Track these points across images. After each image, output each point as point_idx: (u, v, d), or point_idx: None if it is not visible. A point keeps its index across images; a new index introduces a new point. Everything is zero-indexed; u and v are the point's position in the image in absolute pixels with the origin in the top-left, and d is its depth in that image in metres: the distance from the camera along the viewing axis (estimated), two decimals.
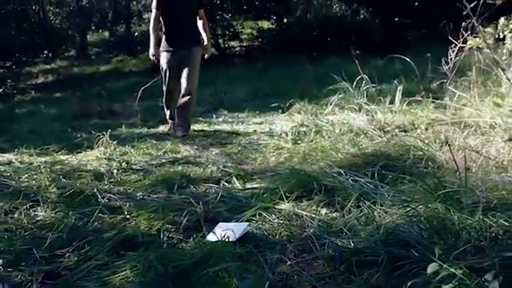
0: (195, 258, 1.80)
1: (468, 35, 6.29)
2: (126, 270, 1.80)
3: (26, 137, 5.39)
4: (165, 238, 2.09)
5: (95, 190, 2.94)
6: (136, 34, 14.60)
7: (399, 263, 1.71)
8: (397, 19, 11.59)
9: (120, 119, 6.63)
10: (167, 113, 5.16)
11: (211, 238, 2.08)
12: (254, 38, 13.84)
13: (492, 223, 1.88)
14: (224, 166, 3.39)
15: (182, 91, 4.77)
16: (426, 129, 3.94)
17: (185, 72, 4.72)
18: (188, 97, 4.77)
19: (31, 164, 3.78)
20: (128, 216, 2.36)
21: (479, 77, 6.47)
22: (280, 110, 6.26)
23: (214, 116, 6.13)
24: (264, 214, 2.33)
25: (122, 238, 2.08)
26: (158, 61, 4.79)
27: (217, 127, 5.40)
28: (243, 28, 12.60)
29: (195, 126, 5.41)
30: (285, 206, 2.45)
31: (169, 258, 1.81)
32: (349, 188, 2.55)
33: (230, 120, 5.90)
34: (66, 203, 2.75)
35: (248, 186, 2.92)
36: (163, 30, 4.78)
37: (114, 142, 4.16)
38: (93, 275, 1.86)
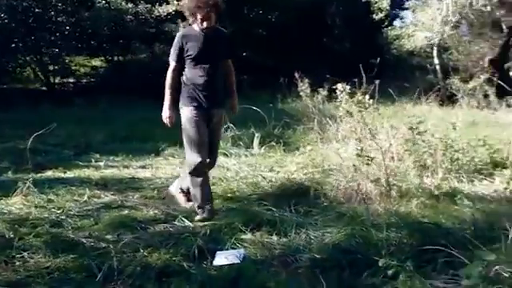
0: (229, 277, 2.65)
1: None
2: None
3: None
4: (186, 266, 2.84)
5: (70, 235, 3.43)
6: None
7: (355, 264, 2.83)
8: None
9: None
10: (193, 193, 4.00)
11: (217, 262, 2.90)
12: (82, 76, 13.95)
13: (392, 236, 3.13)
14: (165, 209, 4.10)
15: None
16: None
17: (211, 135, 3.98)
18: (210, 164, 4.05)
19: None
20: (146, 253, 3.01)
21: (312, 123, 8.20)
22: (153, 154, 6.98)
23: (93, 160, 6.50)
24: (238, 243, 3.22)
25: (157, 270, 2.77)
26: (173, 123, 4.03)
27: (106, 172, 5.87)
28: (75, 65, 12.68)
29: (85, 172, 5.81)
30: (246, 236, 3.37)
31: (211, 279, 2.61)
32: (283, 219, 3.60)
33: (111, 164, 6.38)
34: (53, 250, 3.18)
35: (199, 224, 3.73)
36: (184, 84, 4.01)
37: (35, 190, 4.45)
38: None
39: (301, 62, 11.99)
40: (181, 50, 3.96)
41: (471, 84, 10.04)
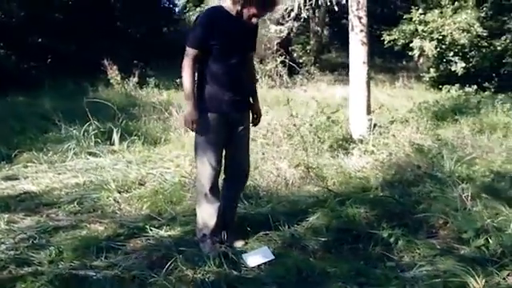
0: (293, 271, 2.94)
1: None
2: None
3: None
4: (235, 273, 2.99)
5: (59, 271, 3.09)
6: None
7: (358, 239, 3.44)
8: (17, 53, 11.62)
9: None
10: (205, 217, 3.36)
11: (253, 263, 3.10)
12: None
13: (361, 211, 3.82)
14: (111, 222, 3.93)
15: (233, 174, 3.45)
16: None
17: (237, 146, 3.36)
18: (242, 183, 3.53)
19: None
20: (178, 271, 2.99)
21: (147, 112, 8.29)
22: (4, 161, 6.12)
23: None
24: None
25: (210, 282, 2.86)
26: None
27: None
28: None
29: None
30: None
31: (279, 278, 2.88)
32: (251, 214, 3.91)
33: None
34: None
35: (171, 232, 3.73)
36: (207, 81, 3.20)
37: None
38: None
39: (103, 48, 11.54)
40: (207, 34, 3.09)
41: (269, 66, 11.41)
